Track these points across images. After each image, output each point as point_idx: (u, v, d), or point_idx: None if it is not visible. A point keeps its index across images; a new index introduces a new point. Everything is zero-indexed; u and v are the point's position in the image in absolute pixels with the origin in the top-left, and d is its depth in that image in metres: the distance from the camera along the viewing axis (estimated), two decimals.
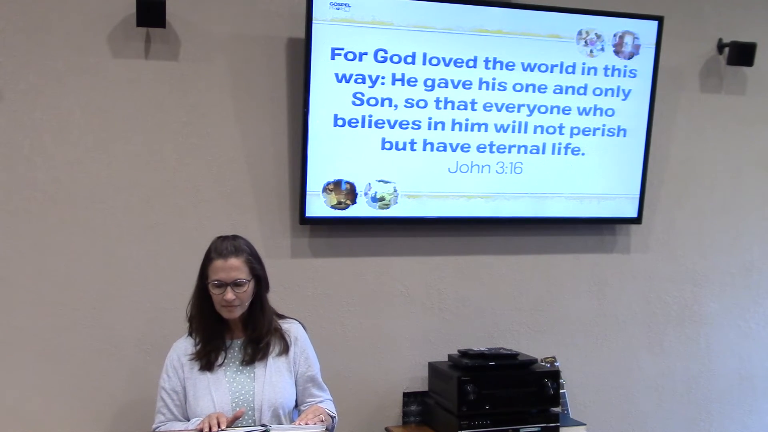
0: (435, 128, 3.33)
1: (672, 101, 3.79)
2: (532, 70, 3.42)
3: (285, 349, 2.56)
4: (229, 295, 2.44)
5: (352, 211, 3.26)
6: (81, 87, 3.01)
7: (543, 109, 3.46)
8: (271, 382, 2.50)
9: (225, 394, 2.45)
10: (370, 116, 3.24)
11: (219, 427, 2.30)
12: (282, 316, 2.67)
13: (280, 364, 2.54)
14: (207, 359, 2.48)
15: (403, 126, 3.29)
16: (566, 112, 3.50)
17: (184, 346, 2.54)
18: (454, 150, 3.37)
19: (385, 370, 3.41)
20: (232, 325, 2.54)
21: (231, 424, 2.34)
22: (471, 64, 3.34)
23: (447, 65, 3.31)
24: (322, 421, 2.42)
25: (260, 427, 2.37)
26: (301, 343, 2.62)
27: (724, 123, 3.89)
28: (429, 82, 3.30)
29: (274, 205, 3.24)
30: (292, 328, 2.63)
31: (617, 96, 3.56)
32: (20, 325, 2.97)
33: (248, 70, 3.19)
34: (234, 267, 2.45)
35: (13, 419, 2.96)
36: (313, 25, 3.09)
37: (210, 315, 2.51)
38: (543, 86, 3.45)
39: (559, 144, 3.51)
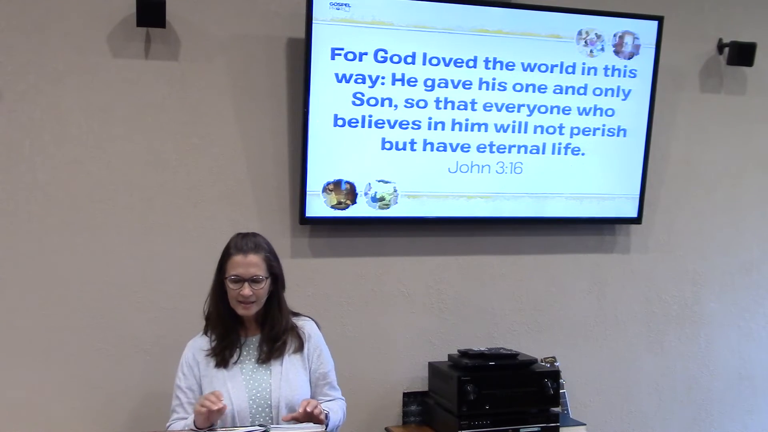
0: (435, 128, 3.33)
1: (672, 101, 3.79)
2: (532, 70, 3.42)
3: (300, 347, 2.58)
4: (246, 290, 2.46)
5: (352, 211, 3.26)
6: (81, 87, 3.02)
7: (543, 109, 3.46)
8: (288, 379, 2.51)
9: (242, 390, 2.46)
10: (370, 116, 3.24)
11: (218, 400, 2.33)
12: (297, 314, 2.68)
13: (295, 362, 2.56)
14: (222, 356, 2.49)
15: (403, 126, 3.29)
16: (566, 112, 3.50)
17: (200, 343, 2.55)
18: (454, 150, 3.37)
19: (385, 370, 3.41)
20: (247, 322, 2.55)
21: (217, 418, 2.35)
22: (471, 64, 3.34)
23: (447, 65, 3.31)
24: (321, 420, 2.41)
25: (259, 428, 2.37)
26: (314, 340, 2.64)
27: (724, 123, 3.89)
28: (429, 82, 3.30)
29: (274, 205, 3.24)
30: (306, 325, 2.65)
31: (617, 96, 3.56)
32: (21, 325, 2.97)
33: (248, 70, 3.19)
34: (253, 263, 2.48)
35: (13, 419, 2.96)
36: (313, 25, 3.09)
37: (226, 312, 2.52)
38: (543, 86, 3.45)
39: (559, 144, 3.51)
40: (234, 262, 2.47)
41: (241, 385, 2.47)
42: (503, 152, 3.44)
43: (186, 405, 2.49)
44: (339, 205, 3.24)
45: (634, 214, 3.66)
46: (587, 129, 3.54)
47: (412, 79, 3.27)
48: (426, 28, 3.26)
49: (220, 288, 2.52)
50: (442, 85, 3.31)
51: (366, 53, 3.19)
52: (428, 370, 3.37)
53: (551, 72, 3.45)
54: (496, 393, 3.09)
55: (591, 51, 3.49)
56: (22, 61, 2.96)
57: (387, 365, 3.41)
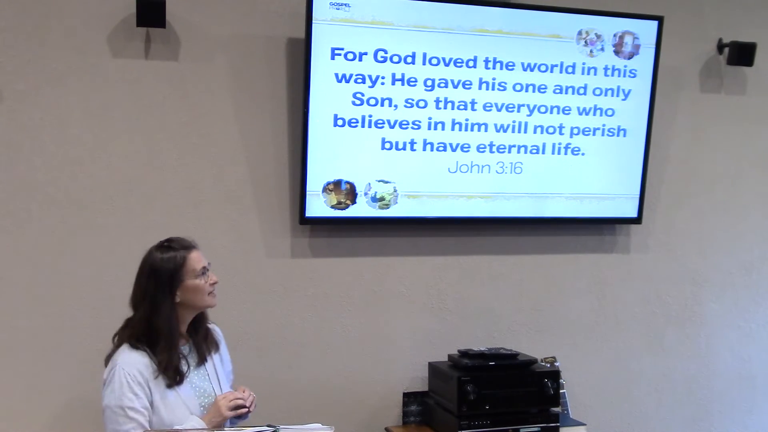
0: (435, 128, 3.33)
1: (672, 101, 3.78)
2: (532, 70, 3.42)
3: (216, 348, 2.59)
4: (214, 276, 2.47)
5: (352, 211, 3.26)
6: (81, 87, 3.02)
7: (543, 109, 3.46)
8: (221, 378, 2.54)
9: (194, 399, 2.43)
10: (370, 116, 3.24)
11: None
12: None
13: (217, 361, 2.58)
14: (178, 372, 2.39)
15: (403, 126, 3.29)
16: (566, 112, 3.50)
17: (139, 360, 2.36)
18: (454, 150, 3.37)
19: (385, 370, 3.41)
20: (182, 330, 2.50)
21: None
22: (471, 64, 3.34)
23: (447, 65, 3.31)
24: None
25: (269, 428, 2.37)
26: (224, 342, 2.66)
27: (724, 123, 3.89)
28: (429, 82, 3.30)
29: (274, 205, 3.24)
30: (216, 328, 2.64)
31: (617, 96, 3.56)
32: (20, 325, 2.97)
33: (248, 70, 3.19)
34: (202, 253, 2.49)
35: (13, 419, 2.96)
36: (313, 25, 3.09)
37: (176, 324, 2.43)
38: (543, 86, 3.45)
39: (559, 144, 3.51)
40: (194, 258, 2.44)
41: (193, 398, 2.43)
42: (503, 152, 3.44)
43: (146, 424, 2.33)
44: (339, 205, 3.24)
45: (634, 214, 3.66)
46: (587, 129, 3.54)
47: (412, 79, 3.27)
48: (426, 28, 3.26)
49: (169, 301, 2.40)
50: (442, 85, 3.31)
51: (366, 53, 3.19)
52: (428, 370, 3.37)
53: (551, 72, 3.45)
54: (496, 393, 3.09)
55: (591, 51, 3.49)
56: (22, 61, 2.96)
57: (387, 365, 3.41)
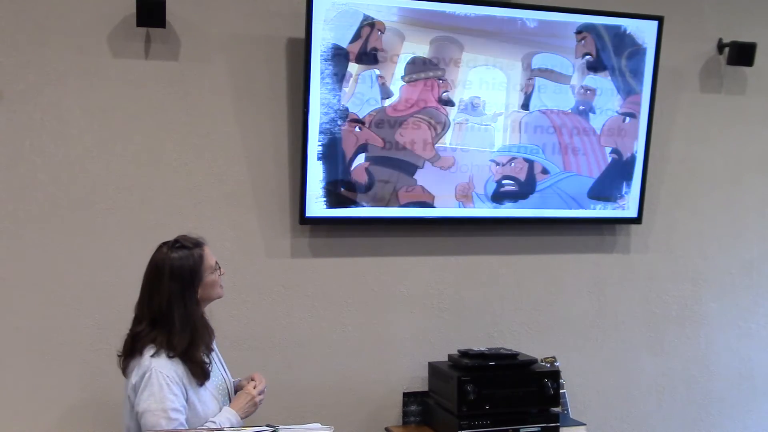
0: (435, 128, 3.33)
1: (672, 101, 3.79)
2: (532, 70, 3.42)
3: (214, 335, 2.58)
4: (221, 269, 2.50)
5: (352, 211, 3.26)
6: (81, 87, 3.02)
7: (543, 109, 3.46)
8: (224, 364, 2.58)
9: (215, 389, 2.46)
10: (371, 116, 3.24)
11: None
12: None
13: (217, 349, 2.59)
14: (205, 369, 2.41)
15: (404, 125, 3.29)
16: (566, 112, 3.50)
17: (170, 364, 2.34)
18: (454, 150, 3.37)
19: (385, 370, 3.41)
20: None
21: None
22: (471, 63, 3.34)
23: (447, 65, 3.31)
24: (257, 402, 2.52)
25: (268, 428, 2.37)
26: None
27: (724, 123, 3.89)
28: (429, 83, 3.29)
29: (274, 205, 3.24)
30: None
31: (617, 96, 3.56)
32: (21, 325, 2.97)
33: (248, 70, 3.19)
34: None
35: (13, 419, 2.96)
36: (313, 25, 3.09)
37: (203, 321, 2.47)
38: (543, 86, 3.45)
39: (559, 144, 3.51)
40: (207, 254, 2.46)
41: (214, 387, 2.46)
42: (503, 152, 3.44)
43: (185, 423, 2.33)
44: (339, 205, 3.24)
45: (634, 214, 3.66)
46: (587, 129, 3.54)
47: (413, 79, 3.27)
48: (426, 27, 3.26)
49: (195, 298, 2.41)
50: (443, 84, 3.31)
51: (366, 53, 3.19)
52: (428, 370, 3.37)
53: (551, 72, 3.45)
54: (496, 393, 3.09)
55: (591, 51, 3.49)
56: (22, 61, 2.96)
57: (387, 365, 3.41)
